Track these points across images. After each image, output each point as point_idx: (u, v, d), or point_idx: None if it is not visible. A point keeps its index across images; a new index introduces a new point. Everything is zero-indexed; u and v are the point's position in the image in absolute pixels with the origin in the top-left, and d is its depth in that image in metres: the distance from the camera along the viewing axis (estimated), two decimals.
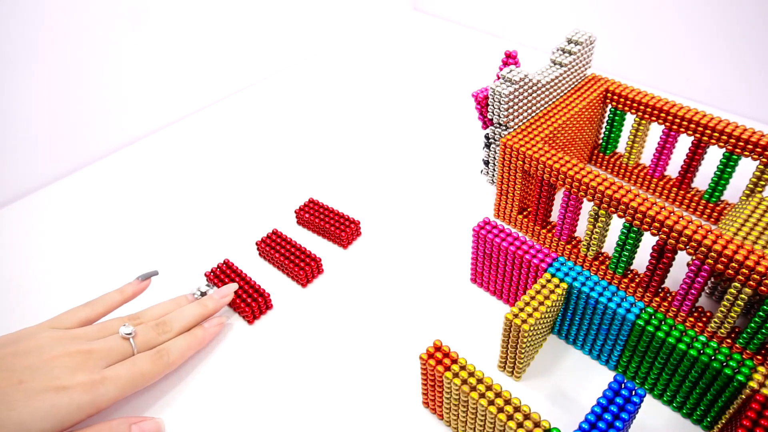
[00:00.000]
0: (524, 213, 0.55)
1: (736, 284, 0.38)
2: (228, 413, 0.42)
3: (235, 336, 0.47)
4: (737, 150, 0.49)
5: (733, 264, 0.38)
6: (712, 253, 0.39)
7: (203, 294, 0.48)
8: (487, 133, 0.55)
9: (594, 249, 0.48)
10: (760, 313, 0.38)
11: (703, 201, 0.54)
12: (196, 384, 0.44)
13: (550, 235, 0.52)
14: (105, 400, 0.37)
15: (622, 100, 0.55)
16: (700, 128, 0.50)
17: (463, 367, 0.35)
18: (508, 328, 0.39)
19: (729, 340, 0.42)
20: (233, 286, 0.48)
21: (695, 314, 0.44)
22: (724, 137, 0.49)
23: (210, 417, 0.42)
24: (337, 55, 0.88)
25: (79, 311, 0.42)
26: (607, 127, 0.58)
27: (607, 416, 0.32)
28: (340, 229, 0.54)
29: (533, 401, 0.41)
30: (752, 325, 0.39)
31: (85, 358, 0.38)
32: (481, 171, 0.61)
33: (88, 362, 0.38)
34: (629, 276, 0.48)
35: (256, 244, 0.54)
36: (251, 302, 0.47)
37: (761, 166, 0.48)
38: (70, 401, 0.35)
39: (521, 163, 0.49)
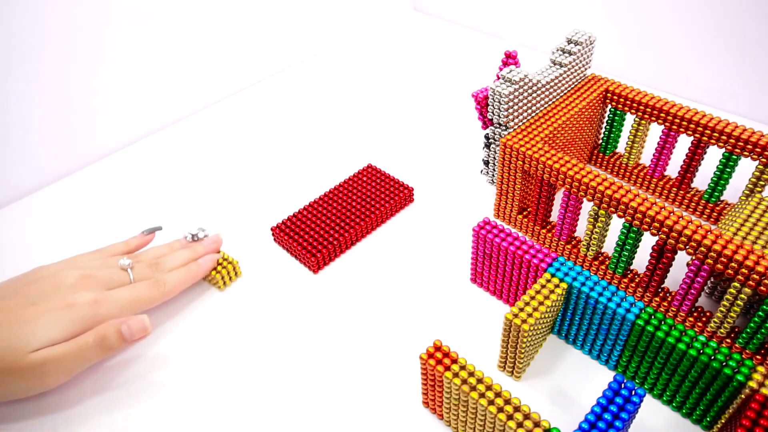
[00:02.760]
0: (524, 213, 0.55)
1: (736, 284, 0.38)
2: (227, 411, 0.42)
3: (234, 331, 0.47)
4: (737, 150, 0.49)
5: (733, 264, 0.38)
6: (712, 253, 0.39)
7: (195, 236, 0.52)
8: (487, 133, 0.55)
9: (594, 249, 0.48)
10: (760, 313, 0.38)
11: (703, 201, 0.54)
12: (195, 381, 0.44)
13: (550, 235, 0.52)
14: (105, 316, 0.42)
15: (621, 100, 0.55)
16: (700, 128, 0.50)
17: (463, 367, 0.35)
18: (508, 328, 0.39)
19: (728, 340, 0.42)
20: (220, 237, 0.53)
21: (695, 314, 0.44)
22: (724, 137, 0.49)
23: (209, 416, 0.42)
24: (337, 56, 0.89)
25: (87, 254, 0.48)
26: (607, 127, 0.58)
27: (607, 416, 0.32)
28: (339, 233, 0.54)
29: (533, 401, 0.41)
30: (752, 324, 0.39)
31: (88, 281, 0.43)
32: (481, 171, 0.61)
33: (90, 284, 0.43)
34: (629, 276, 0.48)
35: (272, 229, 0.55)
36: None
37: (761, 166, 0.48)
38: (75, 316, 0.41)
39: (521, 163, 0.49)
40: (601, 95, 0.56)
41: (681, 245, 0.40)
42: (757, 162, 0.49)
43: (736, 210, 0.47)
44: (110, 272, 0.45)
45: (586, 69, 0.57)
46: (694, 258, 0.40)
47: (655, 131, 0.66)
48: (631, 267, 0.48)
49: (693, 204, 0.55)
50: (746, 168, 0.56)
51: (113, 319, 0.42)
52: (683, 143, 0.63)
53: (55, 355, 0.39)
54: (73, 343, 0.40)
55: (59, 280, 0.43)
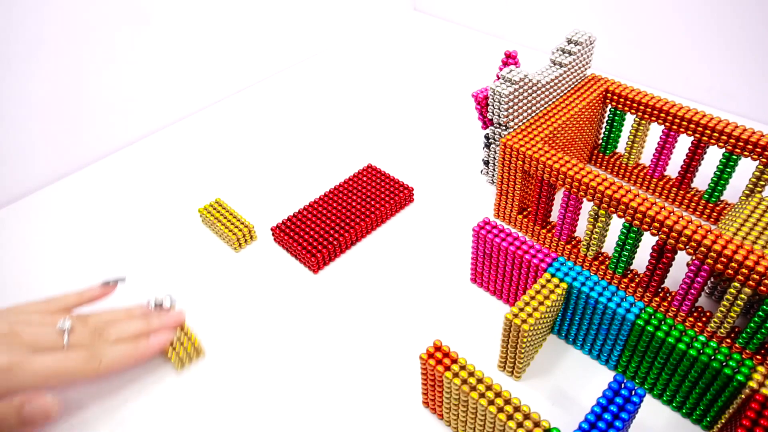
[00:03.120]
0: (524, 213, 0.55)
1: (736, 284, 0.38)
2: (227, 412, 0.42)
3: (234, 333, 0.47)
4: (737, 150, 0.49)
5: (733, 264, 0.38)
6: (712, 253, 0.39)
7: (159, 305, 0.46)
8: (487, 133, 0.55)
9: (594, 249, 0.48)
10: (760, 313, 0.38)
11: (703, 201, 0.54)
12: (193, 379, 0.44)
13: (550, 235, 0.52)
14: (18, 387, 0.36)
15: (621, 100, 0.55)
16: (700, 128, 0.50)
17: (463, 367, 0.35)
18: (508, 328, 0.39)
19: (728, 340, 0.42)
20: (184, 315, 0.47)
21: (695, 314, 0.44)
22: (724, 137, 0.49)
23: (208, 415, 0.42)
24: (337, 56, 0.89)
25: (33, 304, 0.42)
26: (607, 127, 0.58)
27: (607, 416, 0.32)
28: (339, 233, 0.54)
29: (533, 401, 0.41)
30: (752, 324, 0.39)
31: (11, 339, 0.37)
32: (481, 171, 0.61)
33: (13, 344, 0.37)
34: (629, 276, 0.48)
35: (271, 229, 0.55)
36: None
37: (761, 166, 0.48)
38: None
39: (521, 163, 0.49)
40: (601, 95, 0.56)
41: (681, 245, 0.40)
42: (757, 162, 0.49)
43: (736, 210, 0.47)
44: (43, 331, 0.39)
45: (586, 69, 0.57)
46: (694, 258, 0.40)
47: (655, 131, 0.66)
48: (631, 267, 0.48)
49: (693, 204, 0.55)
50: (746, 168, 0.56)
51: (17, 396, 0.36)
52: (683, 143, 0.63)
53: None
54: None
55: None
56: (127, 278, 0.48)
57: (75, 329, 0.41)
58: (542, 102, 0.53)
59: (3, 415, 0.36)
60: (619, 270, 0.47)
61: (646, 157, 0.61)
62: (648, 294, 0.46)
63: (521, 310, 0.38)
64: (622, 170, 0.59)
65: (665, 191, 0.56)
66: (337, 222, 0.55)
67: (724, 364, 0.35)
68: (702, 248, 0.39)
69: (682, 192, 0.55)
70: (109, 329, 0.42)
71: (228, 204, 0.58)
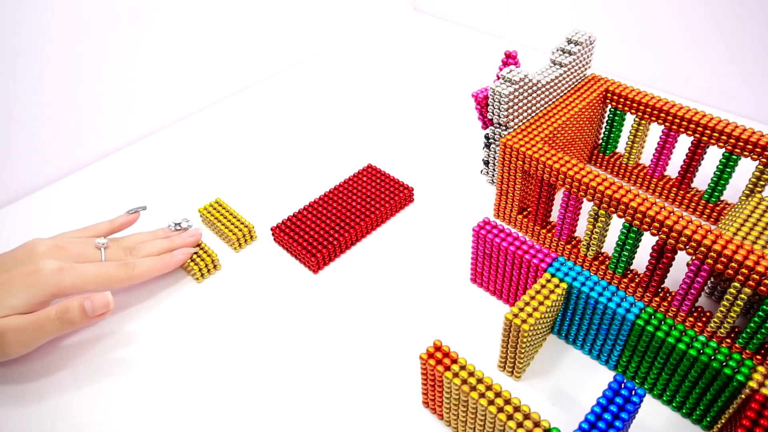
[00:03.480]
0: (524, 213, 0.55)
1: (736, 284, 0.38)
2: (226, 412, 0.42)
3: (234, 333, 0.48)
4: (737, 150, 0.49)
5: (733, 264, 0.38)
6: (712, 253, 0.39)
7: (178, 225, 0.54)
8: (487, 133, 0.55)
9: (594, 249, 0.48)
10: (760, 313, 0.38)
11: (703, 201, 0.54)
12: (192, 379, 0.44)
13: (550, 235, 0.52)
14: (68, 285, 0.43)
15: (621, 100, 0.55)
16: (700, 128, 0.50)
17: (463, 367, 0.35)
18: (508, 328, 0.39)
19: (729, 340, 0.42)
20: (199, 231, 0.54)
21: (695, 314, 0.44)
22: (724, 137, 0.49)
23: (207, 415, 0.42)
24: (337, 56, 0.89)
25: (73, 231, 0.50)
26: (607, 127, 0.58)
27: (607, 416, 0.32)
28: (339, 233, 0.54)
29: (533, 401, 0.41)
30: (752, 324, 0.39)
31: (60, 251, 0.45)
32: (481, 171, 0.61)
33: (60, 255, 0.45)
34: (629, 276, 0.48)
35: (271, 229, 0.55)
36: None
37: (761, 166, 0.48)
38: (38, 280, 0.42)
39: (521, 163, 0.49)
40: (601, 95, 0.56)
41: (681, 245, 0.40)
42: (757, 162, 0.49)
43: (736, 210, 0.47)
44: (83, 247, 0.47)
45: (586, 69, 0.57)
46: (694, 258, 0.40)
47: (655, 131, 0.66)
48: (631, 267, 0.48)
49: (693, 204, 0.55)
50: (746, 168, 0.56)
51: (77, 295, 0.43)
52: (683, 143, 0.63)
53: (16, 325, 0.41)
54: (35, 315, 0.42)
55: (32, 249, 0.45)
56: (147, 207, 0.56)
57: (110, 247, 0.49)
58: (542, 102, 0.53)
59: (67, 308, 0.42)
60: (619, 270, 0.47)
61: (646, 157, 0.61)
62: (648, 294, 0.46)
63: (521, 310, 0.38)
64: (622, 170, 0.59)
65: (665, 191, 0.56)
66: (337, 222, 0.55)
67: (724, 364, 0.35)
68: (702, 248, 0.39)
69: (682, 192, 0.55)
70: (138, 247, 0.50)
71: (228, 204, 0.58)
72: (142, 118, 0.72)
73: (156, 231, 0.54)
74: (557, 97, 0.55)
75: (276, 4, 0.80)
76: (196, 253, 0.52)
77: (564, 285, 0.40)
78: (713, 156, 0.61)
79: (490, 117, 0.52)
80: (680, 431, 0.39)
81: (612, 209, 0.44)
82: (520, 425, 0.32)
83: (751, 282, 0.37)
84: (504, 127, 0.52)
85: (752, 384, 0.33)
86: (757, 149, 0.48)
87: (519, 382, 0.43)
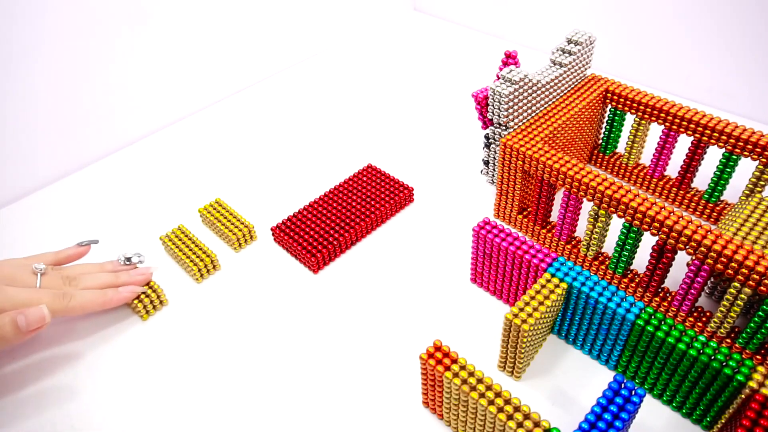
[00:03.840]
0: (524, 213, 0.55)
1: (736, 284, 0.38)
2: (225, 411, 0.42)
3: (234, 333, 0.48)
4: (737, 150, 0.49)
5: (733, 264, 0.38)
6: (712, 253, 0.39)
7: (128, 260, 0.51)
8: (487, 133, 0.55)
9: (594, 249, 0.48)
10: (760, 313, 0.38)
11: (703, 201, 0.54)
12: (190, 379, 0.44)
13: (550, 235, 0.52)
14: None
15: (622, 100, 0.55)
16: (700, 128, 0.50)
17: (463, 367, 0.35)
18: (508, 328, 0.39)
19: (728, 340, 0.42)
20: (151, 270, 0.51)
21: (695, 314, 0.44)
22: (724, 137, 0.49)
23: (208, 414, 0.42)
24: (337, 56, 0.89)
25: (15, 260, 0.47)
26: (607, 127, 0.58)
27: (607, 416, 0.32)
28: (339, 233, 0.54)
29: (533, 401, 0.41)
30: (752, 324, 0.39)
31: None
32: (481, 171, 0.61)
33: None
34: (629, 276, 0.48)
35: (271, 229, 0.55)
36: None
37: (761, 166, 0.48)
38: None
39: (521, 163, 0.49)
40: (601, 95, 0.56)
41: (681, 245, 0.40)
42: (757, 162, 0.49)
43: (736, 210, 0.47)
44: (18, 271, 0.44)
45: (586, 69, 0.57)
46: (694, 258, 0.40)
47: (655, 131, 0.66)
48: (631, 267, 0.48)
49: (693, 204, 0.55)
50: (746, 168, 0.56)
51: (7, 313, 0.41)
52: (683, 143, 0.63)
53: None
54: None
55: None
56: (100, 241, 0.53)
57: (48, 273, 0.45)
58: (542, 102, 0.53)
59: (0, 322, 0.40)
60: (619, 270, 0.47)
61: (646, 157, 0.61)
62: (648, 294, 0.46)
63: (521, 310, 0.38)
64: (622, 170, 0.59)
65: (665, 191, 0.56)
66: (337, 222, 0.55)
67: (724, 364, 0.35)
68: (702, 248, 0.39)
69: (682, 192, 0.55)
70: (80, 278, 0.47)
71: (228, 204, 0.58)
72: (142, 118, 0.72)
73: (104, 263, 0.50)
74: (557, 97, 0.55)
75: (276, 4, 0.80)
76: (144, 292, 0.49)
77: (564, 285, 0.40)
78: (713, 156, 0.61)
79: (490, 117, 0.52)
80: (680, 431, 0.39)
81: (612, 209, 0.44)
82: (520, 425, 0.32)
83: (751, 282, 0.37)
84: (504, 127, 0.52)
85: (752, 384, 0.33)
86: (757, 149, 0.48)
87: (519, 382, 0.43)
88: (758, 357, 0.41)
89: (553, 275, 0.41)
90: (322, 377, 0.44)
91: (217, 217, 0.56)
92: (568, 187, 0.46)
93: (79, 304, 0.45)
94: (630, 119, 0.69)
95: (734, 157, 0.49)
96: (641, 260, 0.49)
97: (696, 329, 0.44)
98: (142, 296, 0.49)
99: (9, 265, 0.45)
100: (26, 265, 0.45)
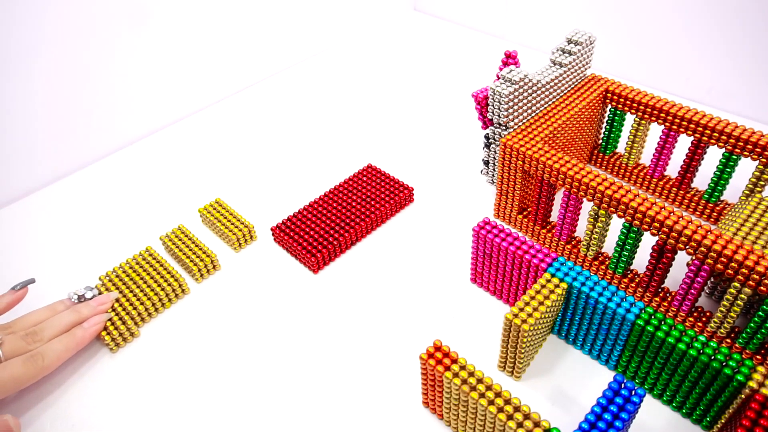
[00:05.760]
0: (524, 213, 0.55)
1: (736, 284, 0.38)
2: (225, 410, 0.42)
3: (234, 333, 0.47)
4: (737, 150, 0.49)
5: (733, 264, 0.38)
6: (712, 253, 0.39)
7: (81, 298, 0.47)
8: (487, 133, 0.55)
9: (594, 249, 0.48)
10: (760, 313, 0.38)
11: (703, 201, 0.54)
12: (191, 379, 0.44)
13: (550, 235, 0.52)
14: None
15: (622, 100, 0.55)
16: (700, 128, 0.50)
17: (463, 367, 0.35)
18: (508, 328, 0.39)
19: (729, 340, 0.42)
20: (113, 295, 0.48)
21: (695, 314, 0.44)
22: (724, 137, 0.49)
23: (208, 414, 0.42)
24: (337, 56, 0.89)
25: None
26: (607, 127, 0.58)
27: (607, 416, 0.32)
28: (339, 233, 0.54)
29: (533, 401, 0.41)
30: (752, 324, 0.39)
31: None
32: (481, 171, 0.61)
33: None
34: (629, 276, 0.48)
35: (271, 229, 0.55)
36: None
37: (761, 166, 0.48)
38: None
39: (521, 163, 0.49)
40: (601, 95, 0.56)
41: (681, 245, 0.40)
42: (757, 162, 0.49)
43: (736, 210, 0.47)
44: None
45: (586, 69, 0.57)
46: (694, 258, 0.40)
47: (655, 131, 0.66)
48: (631, 267, 0.48)
49: (693, 204, 0.55)
50: (746, 168, 0.56)
51: None
52: (683, 143, 0.63)
53: None
54: None
55: None
56: (36, 279, 0.49)
57: (5, 341, 0.40)
58: (542, 102, 0.53)
59: None
60: (619, 270, 0.47)
61: (646, 157, 0.61)
62: (648, 294, 0.46)
63: (521, 310, 0.38)
64: (622, 170, 0.59)
65: (665, 191, 0.56)
66: (337, 222, 0.55)
67: (724, 364, 0.35)
68: (702, 248, 0.39)
69: (682, 192, 0.55)
70: (41, 329, 0.42)
71: (228, 204, 0.58)
72: (142, 118, 0.72)
73: (54, 305, 0.46)
74: (557, 97, 0.55)
75: (276, 4, 0.80)
76: (109, 319, 0.46)
77: (564, 285, 0.40)
78: (713, 156, 0.61)
79: (490, 117, 0.52)
80: (680, 431, 0.39)
81: (612, 209, 0.44)
82: (520, 425, 0.32)
83: (751, 282, 0.37)
84: (504, 127, 0.52)
85: (752, 384, 0.33)
86: (757, 149, 0.48)
87: (519, 382, 0.43)
88: (758, 357, 0.41)
89: (553, 275, 0.41)
90: (323, 377, 0.44)
91: (217, 217, 0.56)
92: (568, 187, 0.46)
93: (54, 359, 0.41)
94: (630, 119, 0.69)
95: (734, 157, 0.49)
96: (641, 260, 0.49)
97: (696, 329, 0.44)
98: (110, 327, 0.46)
99: None
100: None
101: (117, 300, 0.48)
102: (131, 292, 0.49)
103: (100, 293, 0.49)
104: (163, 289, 0.49)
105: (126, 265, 0.52)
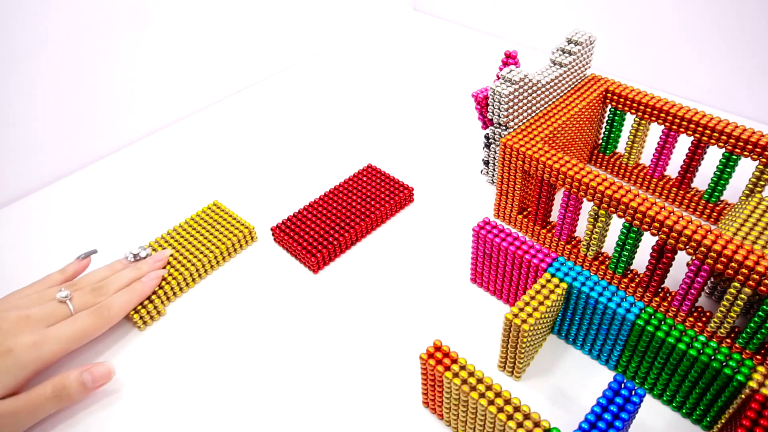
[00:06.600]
0: (524, 213, 0.55)
1: (736, 284, 0.38)
2: (228, 411, 0.42)
3: (234, 333, 0.48)
4: (737, 150, 0.49)
5: (733, 264, 0.38)
6: (712, 253, 0.39)
7: (136, 257, 0.50)
8: (487, 133, 0.55)
9: (594, 249, 0.48)
10: (760, 313, 0.38)
11: (703, 201, 0.54)
12: (191, 380, 0.44)
13: (550, 235, 0.52)
14: (50, 357, 0.40)
15: (622, 100, 0.55)
16: (700, 128, 0.50)
17: (463, 367, 0.35)
18: (508, 328, 0.39)
19: (729, 340, 0.42)
20: (167, 252, 0.51)
21: (695, 314, 0.44)
22: (724, 137, 0.49)
23: (208, 415, 0.42)
24: (337, 56, 0.89)
25: (24, 290, 0.45)
26: (607, 127, 0.58)
27: (607, 416, 0.32)
28: (339, 233, 0.54)
29: (533, 401, 0.41)
30: (752, 324, 0.39)
31: (25, 322, 0.41)
32: (481, 171, 0.61)
33: (28, 325, 0.40)
34: (629, 276, 0.48)
35: (271, 229, 0.55)
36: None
37: (761, 166, 0.48)
38: (15, 361, 0.38)
39: (521, 163, 0.49)
40: (601, 95, 0.56)
41: (681, 245, 0.40)
42: (757, 162, 0.49)
43: (736, 210, 0.47)
44: (48, 307, 0.42)
45: (586, 69, 0.57)
46: (694, 258, 0.40)
47: (655, 131, 0.66)
48: (631, 267, 0.48)
49: (693, 204, 0.55)
50: (746, 168, 0.56)
51: (73, 369, 0.40)
52: (683, 143, 0.63)
53: (9, 410, 0.37)
54: (27, 395, 0.38)
55: None
56: (99, 246, 0.53)
57: (74, 295, 0.44)
58: (542, 102, 0.53)
59: (64, 384, 0.39)
60: (619, 270, 0.47)
61: (646, 157, 0.61)
62: (648, 294, 0.46)
63: (521, 310, 0.38)
64: (622, 170, 0.59)
65: (665, 191, 0.56)
66: (337, 222, 0.55)
67: (724, 364, 0.35)
68: (702, 248, 0.39)
69: (682, 192, 0.55)
70: (105, 284, 0.46)
71: (226, 206, 0.58)
72: (142, 118, 0.72)
73: (113, 264, 0.49)
74: (557, 97, 0.55)
75: (276, 4, 0.80)
76: (165, 275, 0.49)
77: (564, 285, 0.40)
78: (713, 156, 0.61)
79: (490, 117, 0.52)
80: (680, 431, 0.39)
81: (612, 209, 0.44)
82: (520, 425, 0.32)
83: (751, 282, 0.37)
84: (504, 127, 0.52)
85: (752, 384, 0.33)
86: (757, 149, 0.48)
87: (519, 382, 0.43)
88: (758, 357, 0.41)
89: (553, 275, 0.41)
90: (322, 377, 0.44)
91: (216, 219, 0.56)
92: (568, 187, 0.46)
93: (119, 310, 0.45)
94: (630, 119, 0.69)
95: (734, 157, 0.49)
96: (641, 260, 0.49)
97: (696, 329, 0.44)
98: (144, 303, 0.48)
99: (31, 303, 0.43)
100: (47, 296, 0.44)
101: (172, 255, 0.52)
102: (181, 254, 0.52)
103: (154, 251, 0.52)
104: (235, 234, 0.53)
105: (182, 224, 0.55)
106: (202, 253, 0.52)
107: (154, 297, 0.48)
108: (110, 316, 0.44)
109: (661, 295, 0.46)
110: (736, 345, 0.41)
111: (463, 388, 0.34)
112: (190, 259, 0.52)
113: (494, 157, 0.56)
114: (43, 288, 0.45)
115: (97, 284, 0.46)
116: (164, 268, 0.50)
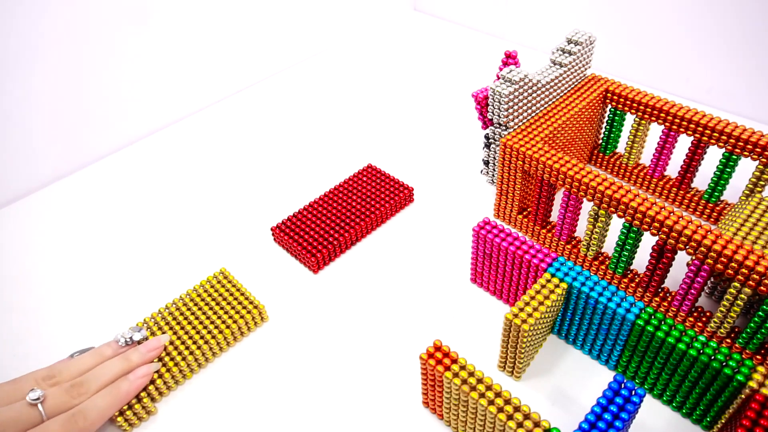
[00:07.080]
0: (524, 213, 0.55)
1: (736, 284, 0.38)
2: (228, 412, 0.42)
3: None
4: (737, 150, 0.49)
5: (733, 264, 0.38)
6: (712, 253, 0.39)
7: (129, 341, 0.43)
8: (487, 133, 0.55)
9: (594, 249, 0.48)
10: (760, 313, 0.38)
11: (703, 201, 0.54)
12: (195, 381, 0.44)
13: (550, 235, 0.52)
14: None
15: (622, 100, 0.55)
16: (700, 128, 0.50)
17: (463, 367, 0.35)
18: (508, 328, 0.39)
19: (728, 340, 0.42)
20: (164, 338, 0.44)
21: (695, 314, 0.44)
22: (724, 137, 0.49)
23: (207, 416, 0.42)
24: (337, 56, 0.89)
25: (2, 385, 0.39)
26: (607, 127, 0.58)
27: (607, 416, 0.32)
28: (339, 233, 0.54)
29: (533, 401, 0.41)
30: (752, 324, 0.39)
31: None
32: (481, 171, 0.61)
33: None
34: (629, 276, 0.48)
35: (271, 229, 0.54)
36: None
37: (761, 166, 0.48)
38: None
39: (521, 163, 0.49)
40: (601, 95, 0.56)
41: (681, 245, 0.40)
42: (757, 162, 0.49)
43: (736, 210, 0.47)
44: (16, 412, 0.36)
45: (586, 69, 0.57)
46: (694, 258, 0.40)
47: (655, 131, 0.66)
48: (631, 267, 0.48)
49: (693, 204, 0.55)
50: (746, 168, 0.56)
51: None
52: (683, 143, 0.63)
53: None
54: None
55: None
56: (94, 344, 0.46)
57: (48, 396, 0.38)
58: (542, 102, 0.53)
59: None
60: (619, 270, 0.47)
61: (646, 157, 0.61)
62: (648, 294, 0.46)
63: (521, 310, 0.38)
64: (622, 170, 0.59)
65: (665, 191, 0.56)
66: (337, 222, 0.55)
67: (724, 364, 0.35)
68: (702, 248, 0.39)
69: (682, 192, 0.55)
70: (86, 380, 0.39)
71: (234, 276, 0.52)
72: (142, 118, 0.72)
73: (101, 349, 0.42)
74: (557, 97, 0.55)
75: (276, 4, 0.80)
76: (157, 370, 0.42)
77: (564, 285, 0.40)
78: (713, 156, 0.61)
79: (490, 117, 0.52)
80: (680, 431, 0.39)
81: (612, 209, 0.44)
82: (520, 425, 0.32)
83: (751, 282, 0.37)
84: (504, 127, 0.52)
85: (752, 384, 0.33)
86: (757, 149, 0.48)
87: (519, 382, 0.43)
88: (758, 357, 0.41)
89: (553, 275, 0.41)
90: (322, 377, 0.44)
91: (221, 293, 0.49)
92: (568, 187, 0.46)
93: (97, 417, 0.38)
94: (630, 119, 0.69)
95: (734, 157, 0.49)
96: (641, 260, 0.49)
97: (696, 329, 0.44)
98: (131, 402, 0.41)
99: (5, 409, 0.36)
100: (18, 395, 0.38)
101: (171, 343, 0.44)
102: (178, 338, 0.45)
103: (151, 334, 0.45)
104: (242, 315, 0.46)
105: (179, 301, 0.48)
106: (203, 338, 0.45)
107: (143, 394, 0.41)
108: (85, 427, 0.37)
109: (661, 295, 0.46)
110: (736, 345, 0.41)
111: (463, 388, 0.34)
112: (188, 346, 0.44)
113: (494, 157, 0.56)
114: (23, 385, 0.38)
115: (77, 380, 0.39)
116: (159, 360, 0.43)
